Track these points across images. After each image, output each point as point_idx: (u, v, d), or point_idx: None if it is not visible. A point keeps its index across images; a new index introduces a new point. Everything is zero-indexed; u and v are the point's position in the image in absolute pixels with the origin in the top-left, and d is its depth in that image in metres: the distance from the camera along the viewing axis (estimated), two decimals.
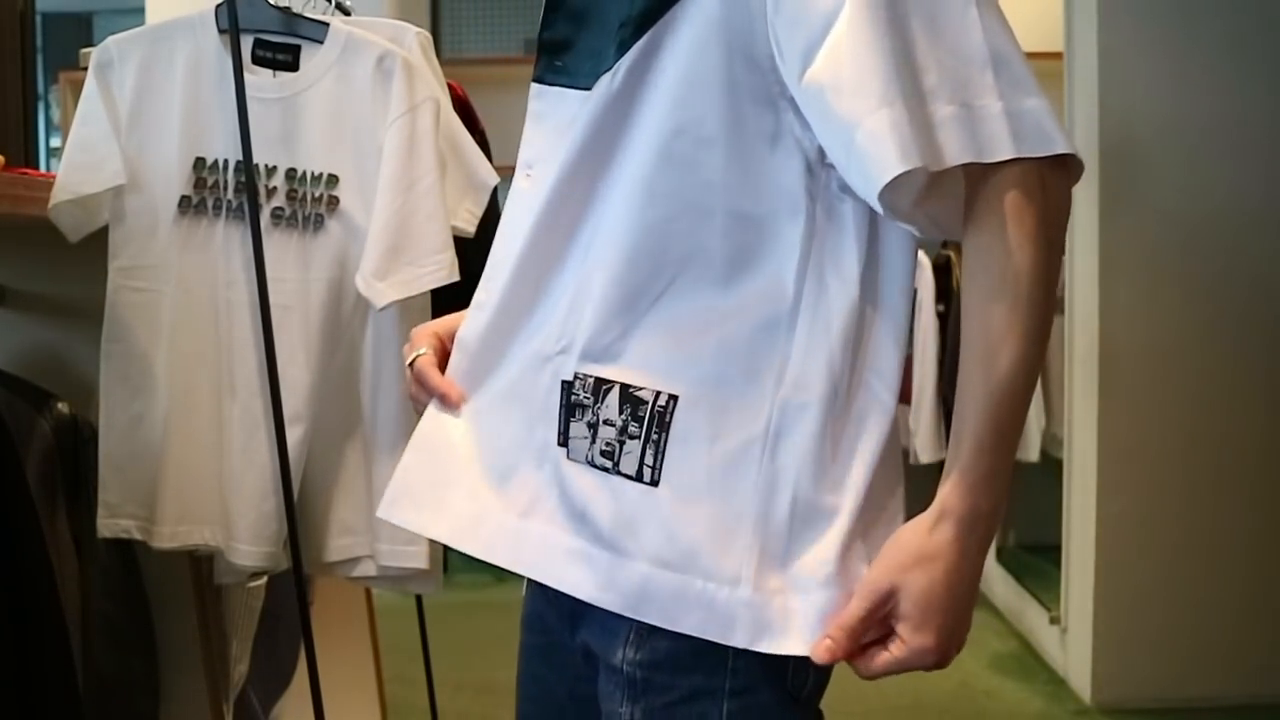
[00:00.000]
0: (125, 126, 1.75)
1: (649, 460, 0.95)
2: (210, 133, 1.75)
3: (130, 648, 1.79)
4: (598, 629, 1.00)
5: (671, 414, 0.95)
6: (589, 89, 0.97)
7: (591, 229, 0.99)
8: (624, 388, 0.96)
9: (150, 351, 1.75)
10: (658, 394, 0.95)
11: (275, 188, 1.75)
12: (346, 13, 1.95)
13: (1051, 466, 3.33)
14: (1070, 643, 3.16)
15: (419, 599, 2.39)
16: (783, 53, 0.91)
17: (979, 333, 0.90)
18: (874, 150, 0.86)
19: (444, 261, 1.70)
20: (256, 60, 1.77)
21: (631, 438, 0.96)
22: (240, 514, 1.74)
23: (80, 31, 6.79)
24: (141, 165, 1.75)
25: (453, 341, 1.07)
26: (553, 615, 1.09)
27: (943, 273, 4.13)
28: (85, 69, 1.79)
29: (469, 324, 1.06)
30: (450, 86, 1.98)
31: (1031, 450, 3.64)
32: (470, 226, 1.85)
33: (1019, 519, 3.87)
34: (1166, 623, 2.97)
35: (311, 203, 1.75)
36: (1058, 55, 3.11)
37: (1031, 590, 3.54)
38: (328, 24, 1.77)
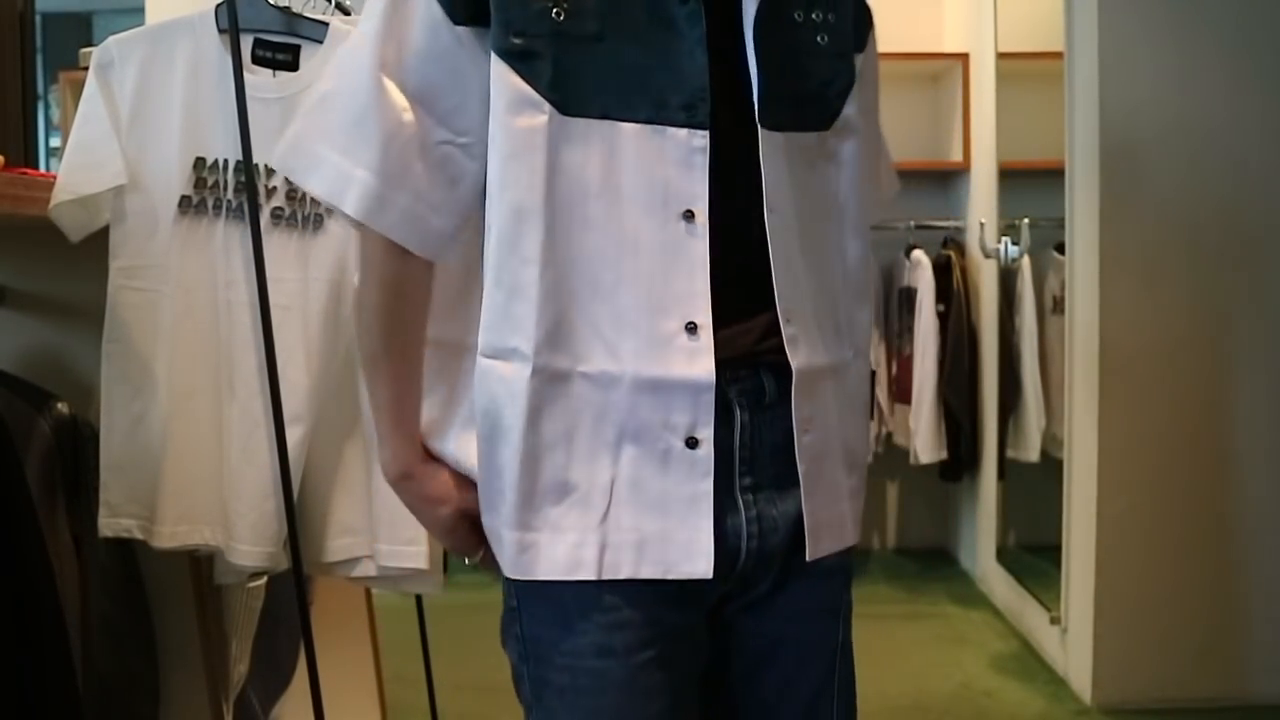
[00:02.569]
0: (126, 126, 1.75)
1: None
2: (210, 133, 1.75)
3: (130, 648, 1.79)
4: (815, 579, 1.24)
5: None
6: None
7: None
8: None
9: (150, 351, 1.75)
10: None
11: (275, 188, 1.75)
12: (346, 13, 1.95)
13: (1052, 467, 3.33)
14: (1071, 643, 3.16)
15: (419, 599, 2.39)
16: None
17: None
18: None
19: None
20: (257, 60, 1.76)
21: None
22: (240, 514, 1.74)
23: (80, 31, 6.78)
24: (142, 165, 1.75)
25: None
26: (674, 613, 1.17)
27: (942, 272, 4.13)
28: (85, 69, 1.79)
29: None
30: None
31: (1031, 450, 3.64)
32: None
33: (1019, 519, 3.87)
34: (1167, 623, 2.97)
35: (311, 203, 1.75)
36: (1058, 55, 3.11)
37: (1032, 590, 3.54)
38: (327, 24, 1.77)
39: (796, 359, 1.16)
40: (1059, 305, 3.33)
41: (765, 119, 1.15)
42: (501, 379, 1.14)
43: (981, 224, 3.90)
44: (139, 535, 1.74)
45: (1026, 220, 3.45)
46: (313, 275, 1.75)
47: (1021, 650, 3.46)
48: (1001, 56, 3.80)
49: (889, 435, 4.29)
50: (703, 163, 1.13)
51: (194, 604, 1.87)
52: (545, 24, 1.11)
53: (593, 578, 1.13)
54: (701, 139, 1.12)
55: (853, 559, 1.30)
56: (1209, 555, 2.96)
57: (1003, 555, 3.87)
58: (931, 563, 4.44)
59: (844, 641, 1.28)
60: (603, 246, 1.13)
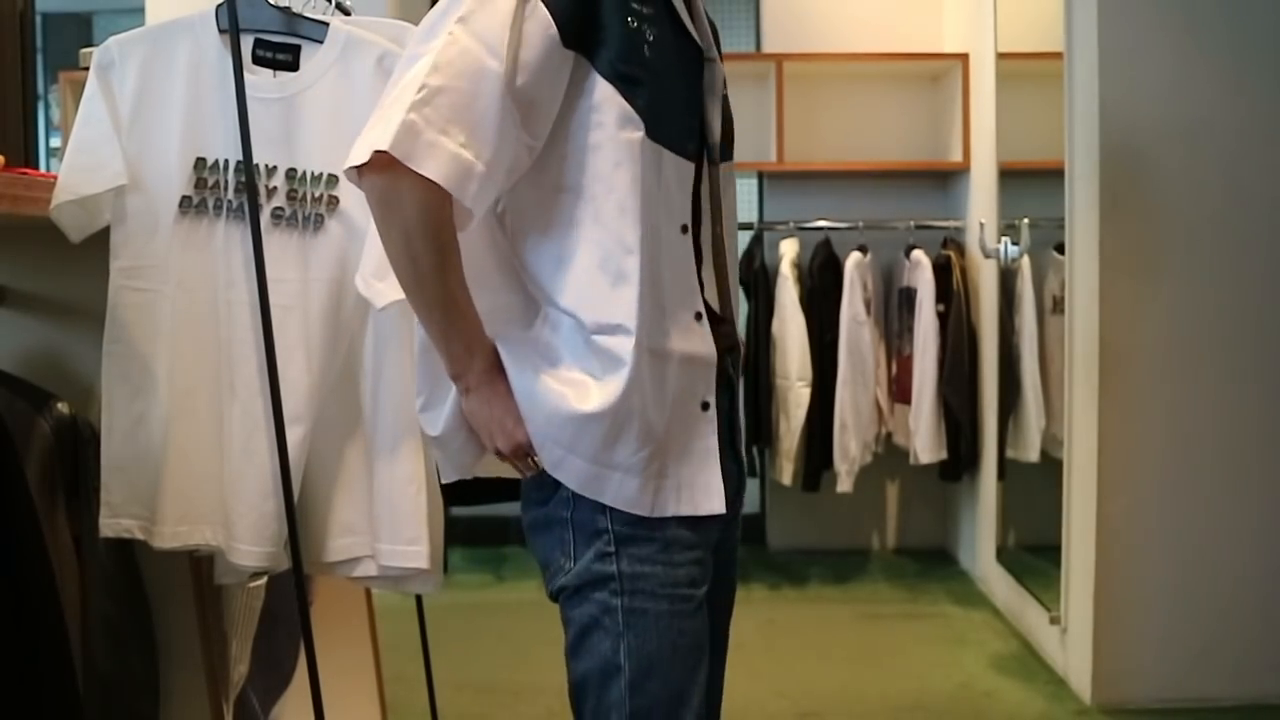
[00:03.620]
0: (126, 127, 1.75)
1: None
2: (211, 133, 1.75)
3: (130, 648, 1.79)
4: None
5: None
6: None
7: None
8: None
9: (151, 352, 1.75)
10: None
11: (275, 188, 1.75)
12: (346, 13, 1.95)
13: (1051, 467, 3.33)
14: (1070, 643, 3.16)
15: (419, 599, 2.39)
16: None
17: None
18: None
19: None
20: (257, 60, 1.76)
21: None
22: (240, 514, 1.74)
23: (80, 32, 6.78)
24: (142, 165, 1.75)
25: None
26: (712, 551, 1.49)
27: (942, 272, 4.13)
28: (85, 69, 1.79)
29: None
30: None
31: (1031, 450, 3.64)
32: None
33: (1019, 519, 3.87)
34: (1167, 623, 2.97)
35: (311, 203, 1.75)
36: (1058, 55, 3.11)
37: (1032, 590, 3.54)
38: (328, 24, 1.77)
39: (739, 336, 1.55)
40: (1059, 305, 3.33)
41: (723, 155, 1.49)
42: (621, 356, 1.36)
43: (981, 224, 3.90)
44: (139, 535, 1.75)
45: (1026, 220, 3.45)
46: (313, 275, 1.75)
47: (1021, 650, 3.46)
48: (1001, 56, 3.80)
49: (889, 435, 4.29)
50: (689, 188, 1.43)
51: (194, 604, 1.87)
52: (642, 56, 1.35)
53: (647, 514, 1.39)
54: (689, 169, 1.42)
55: None
56: (1209, 555, 2.96)
57: (1003, 555, 3.87)
58: (931, 563, 4.44)
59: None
60: (664, 249, 1.39)
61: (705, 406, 1.43)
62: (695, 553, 1.43)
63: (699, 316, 1.43)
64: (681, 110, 1.41)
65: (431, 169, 1.27)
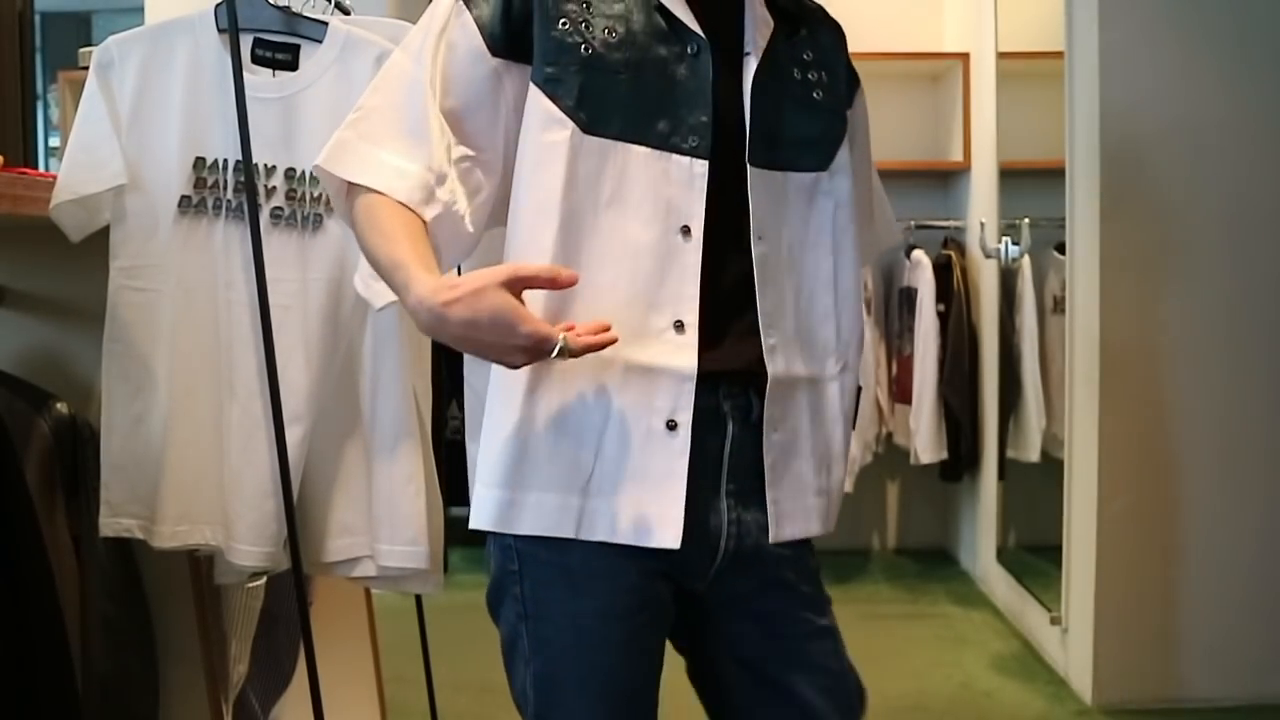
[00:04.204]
0: (126, 126, 1.75)
1: None
2: (210, 132, 1.75)
3: (129, 648, 1.79)
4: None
5: None
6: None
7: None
8: None
9: (151, 351, 1.75)
10: None
11: (274, 187, 1.74)
12: (346, 12, 1.95)
13: (1052, 467, 3.32)
14: (1071, 643, 3.15)
15: (419, 599, 2.39)
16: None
17: None
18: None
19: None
20: (256, 60, 1.76)
21: None
22: (240, 514, 1.74)
23: (79, 31, 6.78)
24: (142, 165, 1.75)
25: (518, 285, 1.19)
26: (657, 583, 1.33)
27: (943, 272, 4.13)
28: (84, 68, 1.79)
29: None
30: None
31: (1032, 450, 3.64)
32: None
33: (1019, 519, 3.87)
34: (1167, 623, 2.97)
35: (310, 202, 1.74)
36: (1058, 55, 3.11)
37: (1032, 591, 3.54)
38: (326, 23, 1.77)
39: (776, 367, 1.33)
40: (1059, 305, 3.33)
41: (754, 158, 1.33)
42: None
43: (982, 224, 3.90)
44: (139, 535, 1.74)
45: (1027, 220, 3.45)
46: (312, 275, 1.75)
47: (1022, 650, 3.46)
48: (1002, 56, 3.80)
49: (889, 435, 4.29)
50: (702, 187, 1.30)
51: (194, 604, 1.87)
52: (575, 56, 1.29)
53: (570, 536, 1.28)
54: (702, 167, 1.31)
55: (817, 564, 1.46)
56: (1210, 555, 2.96)
57: (1003, 555, 3.87)
58: (932, 563, 4.44)
59: (836, 628, 1.44)
60: (606, 249, 1.29)
61: (671, 426, 1.27)
62: (615, 581, 1.30)
63: (679, 326, 1.28)
64: (670, 104, 1.30)
65: (359, 175, 1.29)
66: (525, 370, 1.25)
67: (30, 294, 1.92)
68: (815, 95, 1.40)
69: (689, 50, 1.32)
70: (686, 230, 1.30)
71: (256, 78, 1.75)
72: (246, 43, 1.75)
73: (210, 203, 1.75)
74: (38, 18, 3.14)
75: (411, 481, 1.76)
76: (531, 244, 1.28)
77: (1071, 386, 3.13)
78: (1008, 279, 3.76)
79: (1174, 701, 2.96)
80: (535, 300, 1.24)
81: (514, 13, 1.31)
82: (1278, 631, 2.97)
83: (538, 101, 1.30)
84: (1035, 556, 3.76)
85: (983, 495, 4.07)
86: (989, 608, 3.87)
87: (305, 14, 1.79)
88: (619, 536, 1.28)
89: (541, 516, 1.28)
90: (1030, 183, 3.67)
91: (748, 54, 1.36)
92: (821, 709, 1.38)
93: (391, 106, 1.31)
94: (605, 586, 1.30)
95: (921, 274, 4.12)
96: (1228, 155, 2.90)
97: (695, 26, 1.33)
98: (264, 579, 1.98)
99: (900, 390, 4.24)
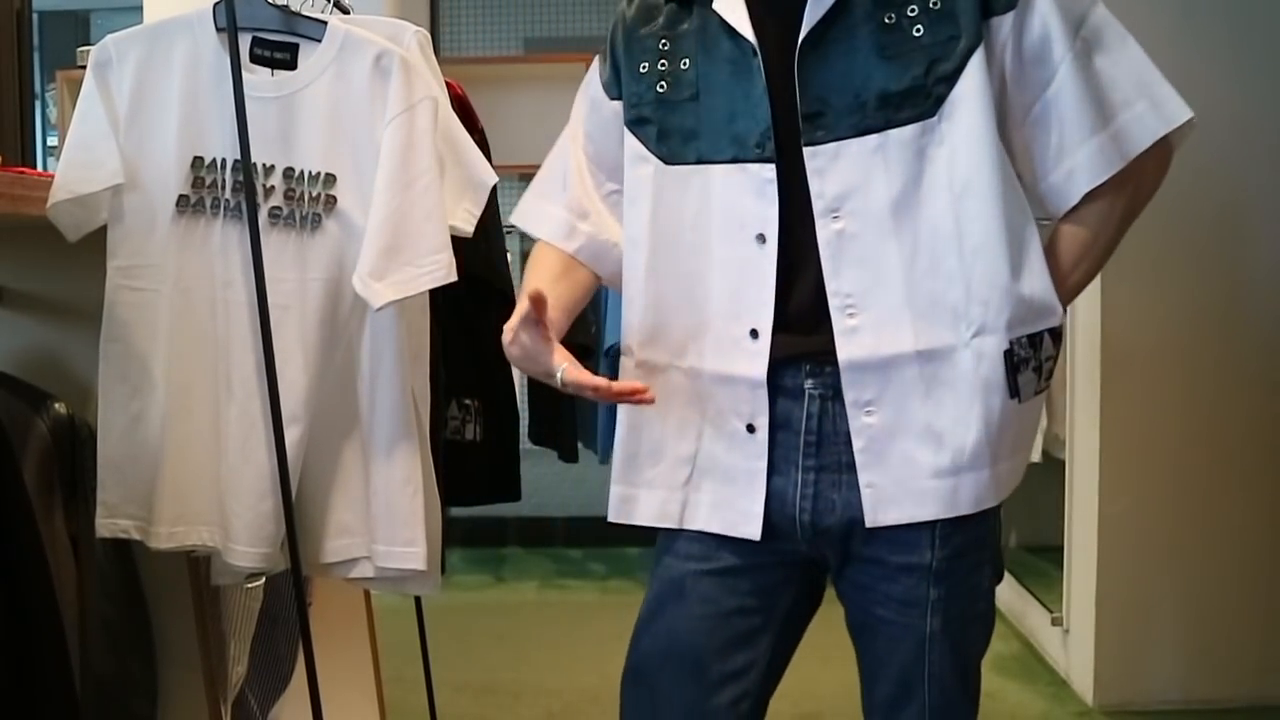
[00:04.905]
0: (124, 125, 1.74)
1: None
2: (208, 132, 1.74)
3: (128, 648, 1.79)
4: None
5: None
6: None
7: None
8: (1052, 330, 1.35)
9: (148, 351, 1.74)
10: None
11: (273, 187, 1.74)
12: (345, 11, 1.94)
13: (1053, 467, 3.32)
14: (1072, 644, 3.15)
15: (418, 600, 2.39)
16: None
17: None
18: (1135, 133, 1.42)
19: (442, 261, 1.70)
20: (255, 59, 1.76)
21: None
22: (237, 515, 1.74)
23: (78, 30, 6.78)
24: (139, 164, 1.74)
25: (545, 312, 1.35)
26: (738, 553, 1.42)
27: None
28: (83, 67, 1.79)
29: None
30: (449, 85, 1.97)
31: (1034, 450, 3.63)
32: (468, 226, 1.84)
33: (1021, 520, 3.86)
34: (1169, 624, 2.97)
35: (309, 202, 1.74)
36: None
37: (1033, 591, 3.53)
38: (325, 22, 1.76)
39: (852, 350, 1.32)
40: None
41: (811, 136, 1.31)
42: (623, 368, 1.44)
43: None
44: (136, 536, 1.74)
45: None
46: (310, 275, 1.74)
47: (1023, 651, 3.45)
48: None
49: None
50: (772, 191, 1.33)
51: (192, 604, 1.86)
52: (652, 94, 1.41)
53: (674, 526, 1.43)
54: (770, 170, 1.33)
55: (947, 558, 1.38)
56: (1211, 555, 2.96)
57: (1004, 556, 3.86)
58: None
59: (936, 632, 1.38)
60: (695, 267, 1.39)
61: (750, 429, 1.37)
62: (691, 545, 1.45)
63: (754, 334, 1.34)
64: (736, 116, 1.34)
65: (525, 224, 1.56)
66: (628, 367, 1.44)
67: (29, 294, 1.92)
68: (915, 32, 1.30)
69: (746, 55, 1.34)
70: (761, 238, 1.34)
71: (255, 77, 1.74)
72: (245, 42, 1.74)
73: (208, 202, 1.74)
74: (36, 16, 3.14)
75: (409, 482, 1.76)
76: (629, 270, 1.44)
77: (1073, 386, 3.13)
78: None
79: (1175, 702, 2.96)
80: (635, 319, 1.43)
81: (615, 60, 1.46)
82: (1278, 632, 2.96)
83: (629, 141, 1.43)
84: (1036, 557, 3.76)
85: None
86: None
87: (304, 13, 1.78)
88: (714, 527, 1.41)
89: (650, 510, 1.44)
90: None
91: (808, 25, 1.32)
92: (867, 705, 1.45)
93: (550, 163, 1.55)
94: (682, 542, 1.44)
95: None
96: (1229, 154, 2.90)
97: (745, 29, 1.34)
98: (263, 579, 1.98)
99: None
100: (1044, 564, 3.55)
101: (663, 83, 1.40)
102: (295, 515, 1.74)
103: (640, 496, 1.44)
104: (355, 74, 1.72)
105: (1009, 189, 1.31)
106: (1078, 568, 3.10)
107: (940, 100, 1.29)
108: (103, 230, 1.75)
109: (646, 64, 1.42)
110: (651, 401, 1.32)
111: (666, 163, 1.40)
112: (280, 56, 1.75)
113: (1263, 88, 2.89)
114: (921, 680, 1.39)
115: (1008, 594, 3.78)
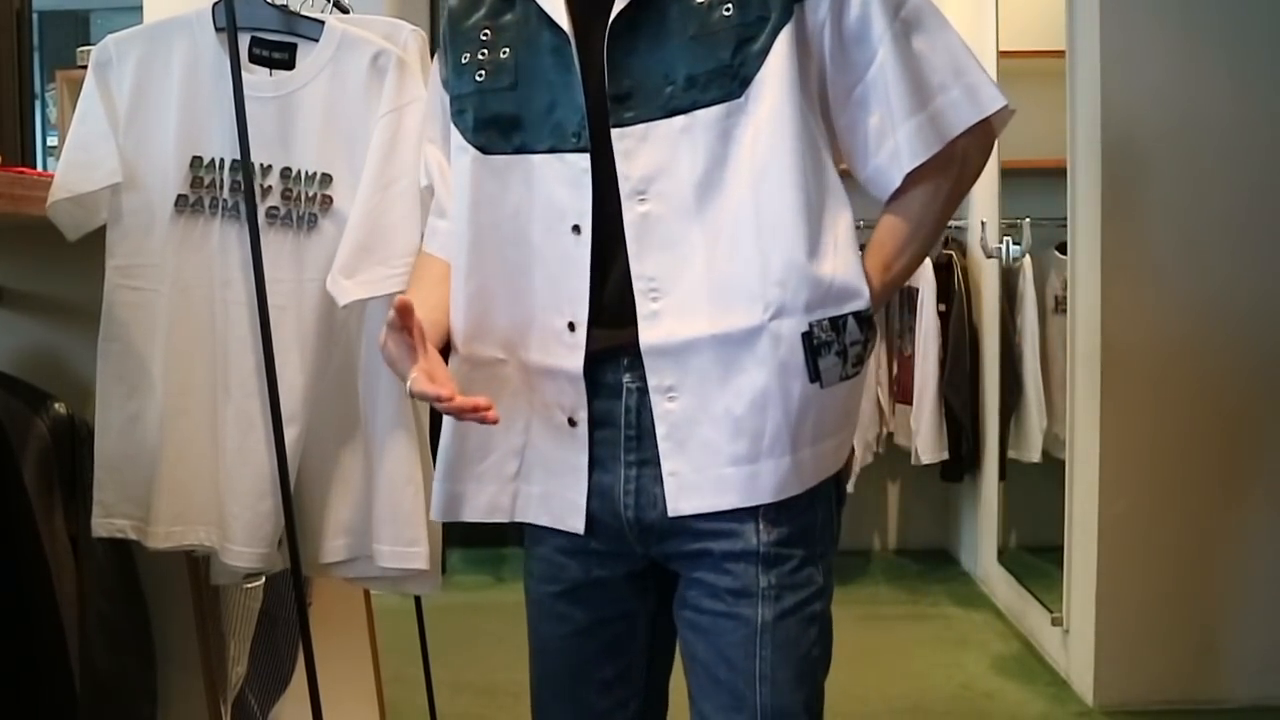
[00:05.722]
0: (123, 125, 1.74)
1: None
2: (207, 131, 1.74)
3: (127, 648, 1.78)
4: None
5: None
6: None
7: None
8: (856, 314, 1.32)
9: (146, 351, 1.74)
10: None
11: (270, 187, 1.74)
12: (345, 11, 1.94)
13: (1053, 467, 3.32)
14: (1072, 644, 3.15)
15: (418, 600, 2.38)
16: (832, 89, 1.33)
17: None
18: (946, 120, 1.33)
19: (414, 264, 1.69)
20: (254, 59, 1.76)
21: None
22: (234, 515, 1.74)
23: (77, 30, 6.77)
24: (139, 164, 1.74)
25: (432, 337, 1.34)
26: (581, 561, 1.43)
27: (944, 272, 4.12)
28: (82, 67, 1.79)
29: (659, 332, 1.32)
30: None
31: (1033, 451, 3.63)
32: None
33: (1020, 520, 3.86)
34: (1169, 624, 2.96)
35: (305, 202, 1.74)
36: (1060, 54, 3.11)
37: (1033, 591, 3.53)
38: (323, 22, 1.76)
39: (651, 335, 1.30)
40: (1060, 305, 3.32)
41: (619, 118, 1.29)
42: (451, 364, 1.40)
43: (983, 223, 3.90)
44: (133, 536, 1.73)
45: (1028, 220, 3.44)
46: (307, 275, 1.74)
47: (1023, 651, 3.45)
48: (1003, 55, 3.79)
49: (890, 435, 4.28)
50: (586, 180, 1.31)
51: (192, 604, 1.86)
52: (470, 84, 1.39)
53: (505, 520, 1.42)
54: (585, 160, 1.31)
55: (774, 544, 1.33)
56: (1211, 555, 2.96)
57: (1004, 556, 3.87)
58: (932, 563, 4.43)
59: (771, 621, 1.33)
60: (516, 259, 1.36)
61: (572, 423, 1.35)
62: (542, 549, 1.46)
63: (571, 326, 1.33)
64: (555, 105, 1.33)
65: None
66: (459, 376, 1.38)
67: (28, 294, 1.92)
68: (725, 13, 1.28)
69: (563, 44, 1.32)
70: (577, 229, 1.32)
71: (254, 77, 1.74)
72: (244, 42, 1.74)
73: (207, 202, 1.74)
74: (36, 16, 3.14)
75: (411, 481, 1.76)
76: (454, 263, 1.41)
77: (1073, 387, 3.13)
78: (1009, 279, 3.75)
79: (1175, 703, 2.96)
80: (459, 315, 1.40)
81: (445, 53, 1.45)
82: (1278, 631, 2.96)
83: (452, 133, 1.41)
84: (1036, 557, 3.76)
85: (984, 496, 4.07)
86: (990, 608, 3.86)
87: (303, 13, 1.78)
88: (542, 520, 1.41)
89: (479, 505, 1.42)
90: (1031, 182, 3.66)
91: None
92: (698, 711, 1.37)
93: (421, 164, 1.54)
94: (538, 552, 1.47)
95: (922, 273, 4.11)
96: (1230, 154, 2.90)
97: (561, 18, 1.32)
98: (262, 580, 1.98)
99: (901, 390, 4.23)
100: (1044, 564, 3.55)
101: (481, 71, 1.38)
102: (294, 515, 1.74)
103: (468, 492, 1.42)
104: (352, 73, 1.72)
105: (812, 170, 1.29)
106: (1077, 568, 3.10)
107: (746, 81, 1.27)
108: (102, 230, 1.75)
109: (468, 54, 1.40)
110: (495, 421, 1.24)
111: (484, 152, 1.37)
112: (278, 56, 1.75)
113: (1265, 87, 2.89)
114: (754, 682, 1.32)
115: (1008, 594, 3.78)
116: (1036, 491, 3.54)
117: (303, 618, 1.80)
